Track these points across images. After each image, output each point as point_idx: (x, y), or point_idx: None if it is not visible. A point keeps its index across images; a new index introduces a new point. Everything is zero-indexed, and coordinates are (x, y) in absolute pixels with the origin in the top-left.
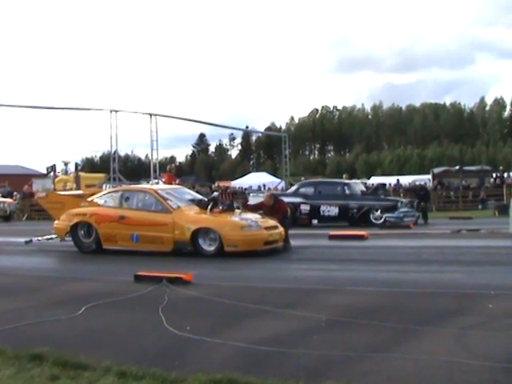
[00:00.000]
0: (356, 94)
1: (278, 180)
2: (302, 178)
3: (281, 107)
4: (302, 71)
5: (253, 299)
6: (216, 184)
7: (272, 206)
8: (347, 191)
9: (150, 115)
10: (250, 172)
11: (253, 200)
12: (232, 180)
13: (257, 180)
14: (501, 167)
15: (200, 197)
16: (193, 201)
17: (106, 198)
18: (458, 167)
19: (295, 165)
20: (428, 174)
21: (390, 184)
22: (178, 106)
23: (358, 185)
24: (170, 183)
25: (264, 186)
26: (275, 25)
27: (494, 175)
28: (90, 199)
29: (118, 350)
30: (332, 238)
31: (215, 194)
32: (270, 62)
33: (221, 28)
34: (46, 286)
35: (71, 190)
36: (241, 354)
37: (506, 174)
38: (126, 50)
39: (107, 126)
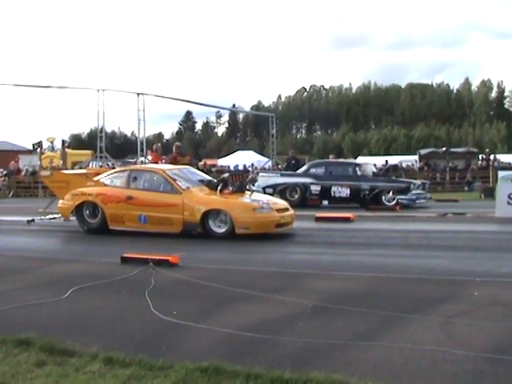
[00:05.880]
0: (348, 72)
1: (266, 159)
2: None
3: (270, 85)
4: (294, 49)
5: (239, 283)
6: (203, 162)
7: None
8: (359, 172)
9: (138, 94)
10: (236, 150)
11: (262, 180)
12: (218, 158)
13: (244, 158)
14: (487, 149)
15: (209, 178)
16: (202, 181)
17: (112, 178)
18: (444, 149)
19: (282, 143)
20: (415, 154)
21: (374, 164)
22: (165, 83)
23: (369, 166)
24: (156, 163)
25: (252, 165)
26: (264, 2)
27: (481, 157)
28: (96, 179)
29: (105, 335)
30: (318, 219)
31: (225, 174)
32: (260, 40)
33: (208, 6)
34: (32, 267)
35: (58, 166)
36: (227, 341)
37: (491, 157)
38: (114, 30)
39: (94, 103)
